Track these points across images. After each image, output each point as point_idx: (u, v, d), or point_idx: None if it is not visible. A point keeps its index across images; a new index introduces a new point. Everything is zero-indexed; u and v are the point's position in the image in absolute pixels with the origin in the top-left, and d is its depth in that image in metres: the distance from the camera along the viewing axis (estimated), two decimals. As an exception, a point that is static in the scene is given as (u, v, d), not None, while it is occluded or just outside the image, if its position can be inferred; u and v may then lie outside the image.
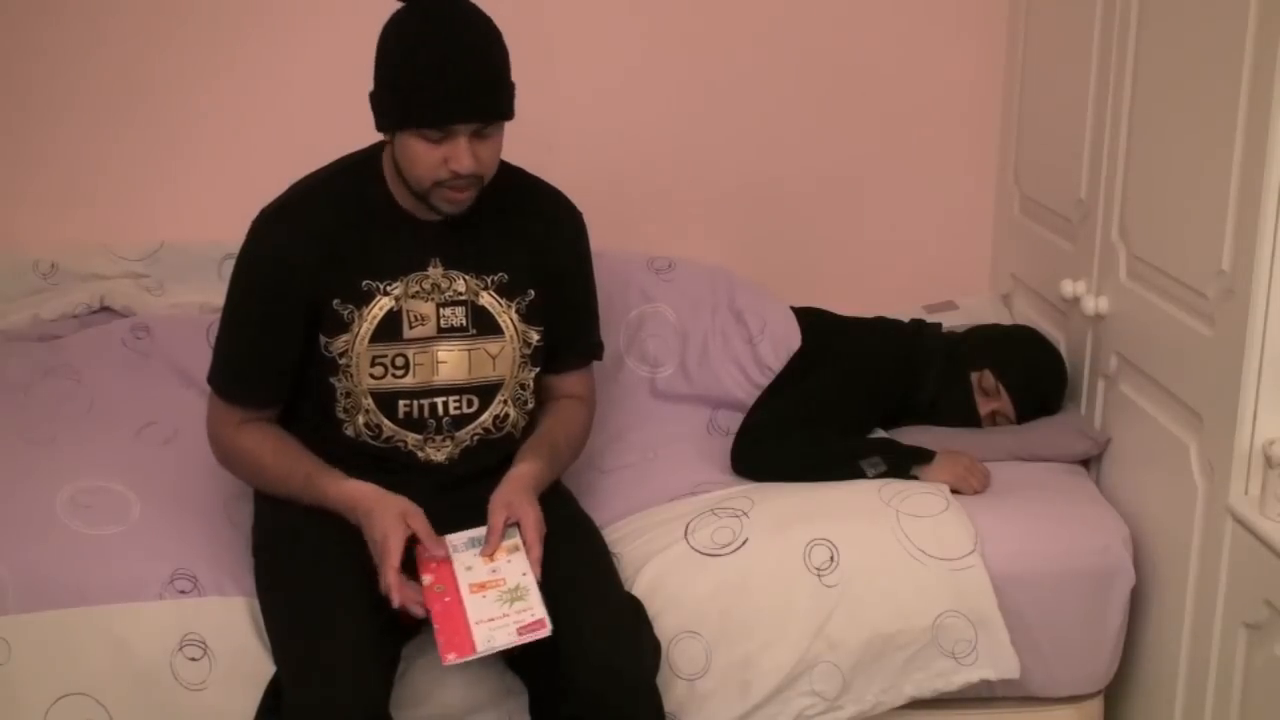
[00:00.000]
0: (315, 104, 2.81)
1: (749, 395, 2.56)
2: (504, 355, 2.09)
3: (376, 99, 1.96)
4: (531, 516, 1.96)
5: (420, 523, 1.94)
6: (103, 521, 2.12)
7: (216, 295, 2.65)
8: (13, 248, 2.82)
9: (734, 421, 2.49)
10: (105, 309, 2.74)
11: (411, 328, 2.04)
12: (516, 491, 1.99)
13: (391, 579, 1.88)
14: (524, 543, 1.95)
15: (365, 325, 2.02)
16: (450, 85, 1.87)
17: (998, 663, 2.17)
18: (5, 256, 2.79)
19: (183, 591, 2.03)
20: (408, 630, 2.01)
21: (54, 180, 2.87)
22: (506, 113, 1.96)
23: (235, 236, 2.08)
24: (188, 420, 2.38)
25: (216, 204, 2.78)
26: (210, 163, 2.88)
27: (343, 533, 2.00)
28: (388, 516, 1.93)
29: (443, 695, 2.04)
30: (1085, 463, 2.47)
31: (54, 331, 2.66)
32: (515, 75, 1.99)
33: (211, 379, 2.09)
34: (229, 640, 2.01)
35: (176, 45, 2.83)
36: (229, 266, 2.08)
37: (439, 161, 1.92)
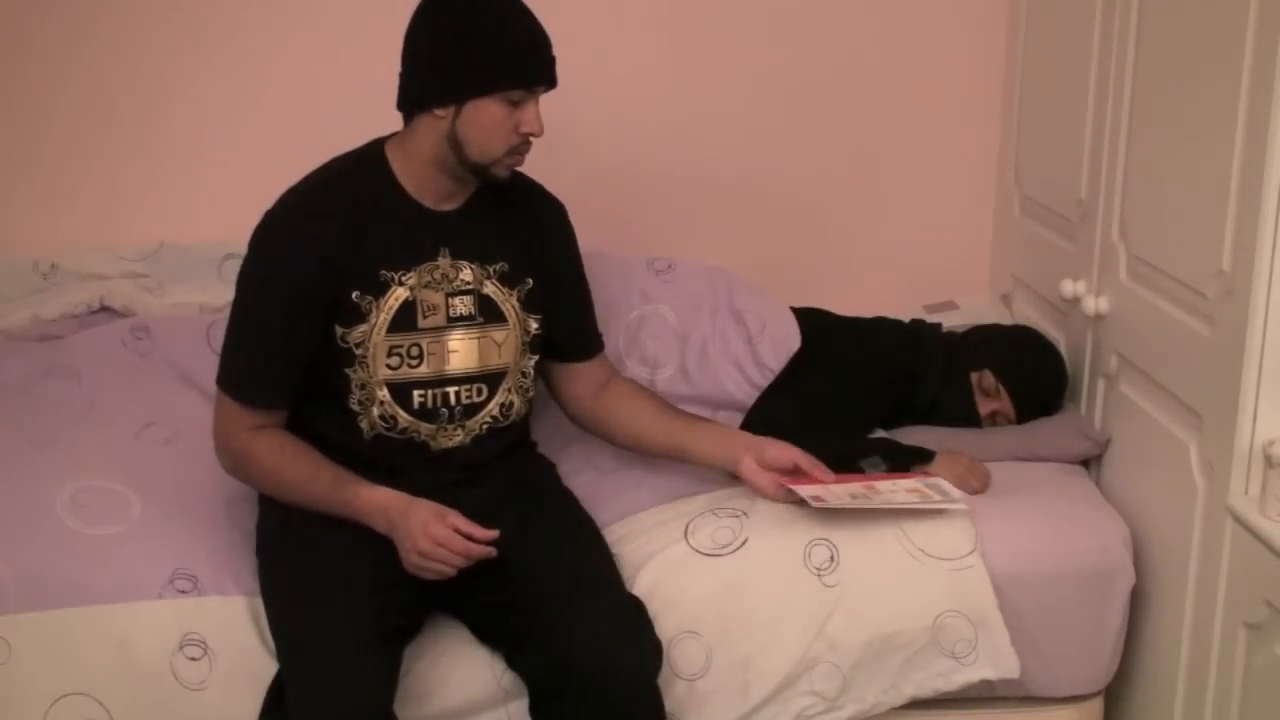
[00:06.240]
0: (315, 103, 2.81)
1: (749, 396, 2.56)
2: (508, 343, 2.11)
3: (430, 75, 1.97)
4: (792, 451, 2.14)
5: (461, 520, 1.93)
6: (103, 521, 2.12)
7: (216, 295, 2.65)
8: (13, 248, 2.82)
9: (734, 422, 2.48)
10: (105, 309, 2.72)
11: (425, 317, 2.05)
12: (744, 442, 2.18)
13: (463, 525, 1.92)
14: (804, 468, 2.13)
15: (383, 316, 2.02)
16: (538, 46, 1.97)
17: (998, 663, 2.17)
18: (5, 256, 2.79)
19: (183, 591, 2.03)
20: (410, 630, 2.01)
21: (54, 180, 2.87)
22: None
23: (235, 236, 2.08)
24: (188, 421, 2.38)
25: (216, 204, 2.78)
26: (210, 163, 2.88)
27: (348, 533, 2.00)
28: (425, 510, 1.93)
29: (443, 695, 2.04)
30: (1085, 463, 2.47)
31: (54, 331, 2.65)
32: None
33: (223, 382, 2.06)
34: (229, 640, 2.01)
35: (176, 45, 2.83)
36: (229, 266, 2.08)
37: (512, 127, 1.97)
